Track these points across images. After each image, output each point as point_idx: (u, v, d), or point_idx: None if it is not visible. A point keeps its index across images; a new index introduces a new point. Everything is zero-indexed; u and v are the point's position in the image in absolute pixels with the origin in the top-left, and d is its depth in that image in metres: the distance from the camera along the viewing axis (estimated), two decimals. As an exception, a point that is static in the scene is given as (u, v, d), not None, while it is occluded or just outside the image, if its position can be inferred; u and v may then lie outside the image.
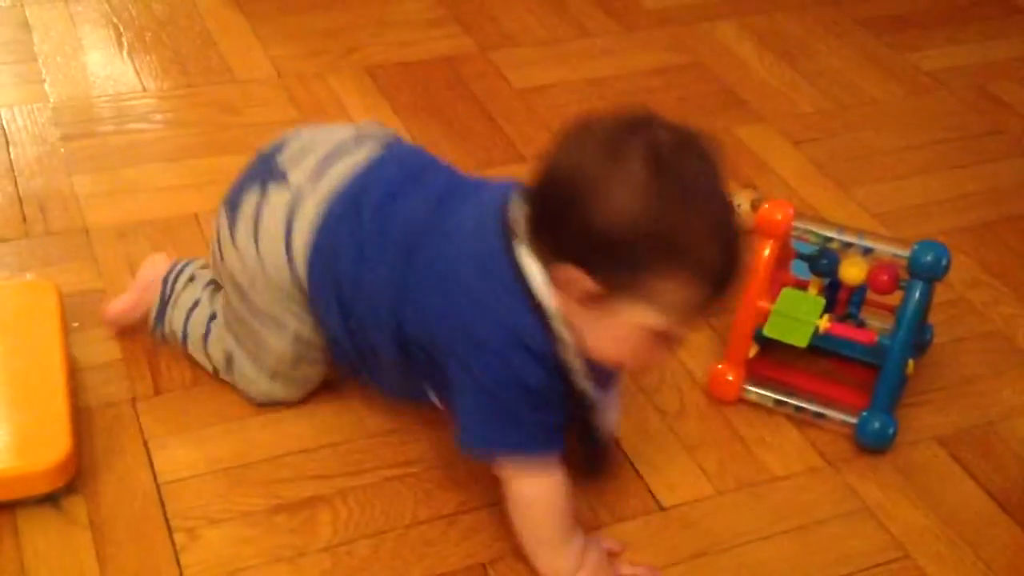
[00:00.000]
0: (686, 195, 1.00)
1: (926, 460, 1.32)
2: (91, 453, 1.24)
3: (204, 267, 1.36)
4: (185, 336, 1.33)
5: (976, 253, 1.64)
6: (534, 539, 1.14)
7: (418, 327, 1.12)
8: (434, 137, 1.79)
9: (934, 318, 1.43)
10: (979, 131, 1.94)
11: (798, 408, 1.35)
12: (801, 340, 1.32)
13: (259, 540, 1.17)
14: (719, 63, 2.06)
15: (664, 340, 1.06)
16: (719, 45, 2.12)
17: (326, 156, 1.21)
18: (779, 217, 1.31)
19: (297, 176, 1.20)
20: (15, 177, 1.64)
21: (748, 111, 1.93)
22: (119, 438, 1.26)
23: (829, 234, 1.34)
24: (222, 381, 1.32)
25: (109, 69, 1.91)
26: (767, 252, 1.32)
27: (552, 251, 1.04)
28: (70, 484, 1.19)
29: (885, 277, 1.35)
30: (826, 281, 1.40)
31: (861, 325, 1.39)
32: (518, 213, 1.07)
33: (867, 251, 1.33)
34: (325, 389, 1.32)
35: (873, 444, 1.31)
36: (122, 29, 2.02)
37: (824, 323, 1.32)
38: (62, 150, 1.70)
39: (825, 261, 1.38)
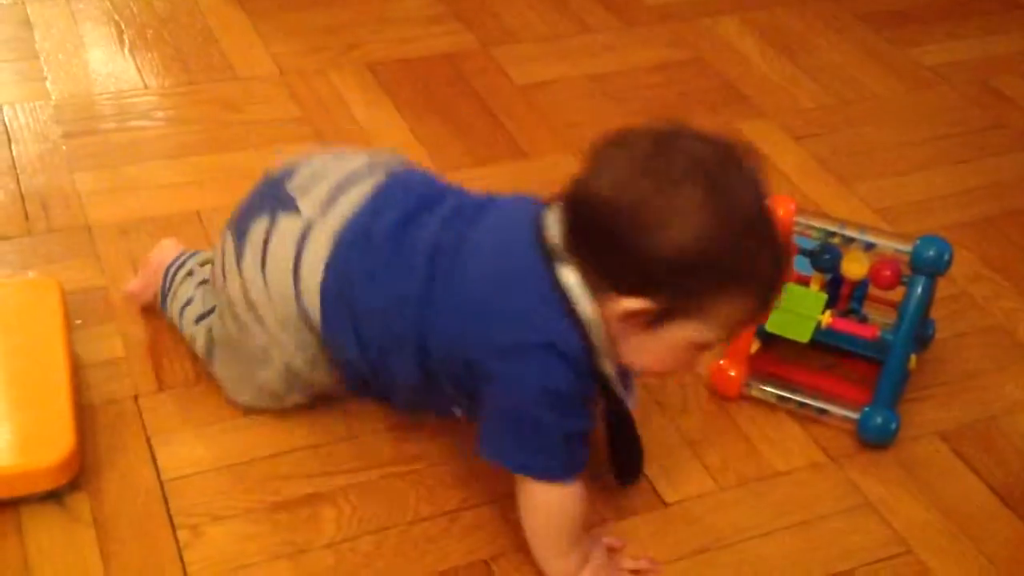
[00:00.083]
0: (739, 215, 1.00)
1: (928, 455, 1.32)
2: (94, 450, 1.24)
3: (205, 262, 1.36)
4: (181, 329, 1.34)
5: (978, 248, 1.64)
6: (544, 543, 1.14)
7: (446, 346, 1.11)
8: (435, 133, 1.79)
9: (936, 313, 1.43)
10: (981, 126, 1.93)
11: (800, 404, 1.35)
12: (803, 336, 1.32)
13: (262, 537, 1.17)
14: (720, 59, 2.06)
15: (704, 348, 1.08)
16: (720, 40, 2.12)
17: (337, 185, 1.18)
18: (781, 213, 1.31)
19: (307, 205, 1.18)
20: (17, 175, 1.64)
21: (749, 106, 1.93)
22: (122, 435, 1.26)
23: (831, 229, 1.34)
24: (224, 378, 1.32)
25: (110, 66, 1.91)
26: (769, 248, 1.32)
27: (602, 276, 1.03)
28: (73, 481, 1.19)
29: (887, 272, 1.35)
30: (828, 277, 1.40)
31: (863, 320, 1.39)
32: (553, 230, 1.06)
33: (869, 246, 1.33)
34: (327, 386, 1.32)
35: (875, 439, 1.31)
36: (123, 26, 2.02)
37: (826, 319, 1.32)
38: (64, 147, 1.70)
39: (827, 256, 1.38)
